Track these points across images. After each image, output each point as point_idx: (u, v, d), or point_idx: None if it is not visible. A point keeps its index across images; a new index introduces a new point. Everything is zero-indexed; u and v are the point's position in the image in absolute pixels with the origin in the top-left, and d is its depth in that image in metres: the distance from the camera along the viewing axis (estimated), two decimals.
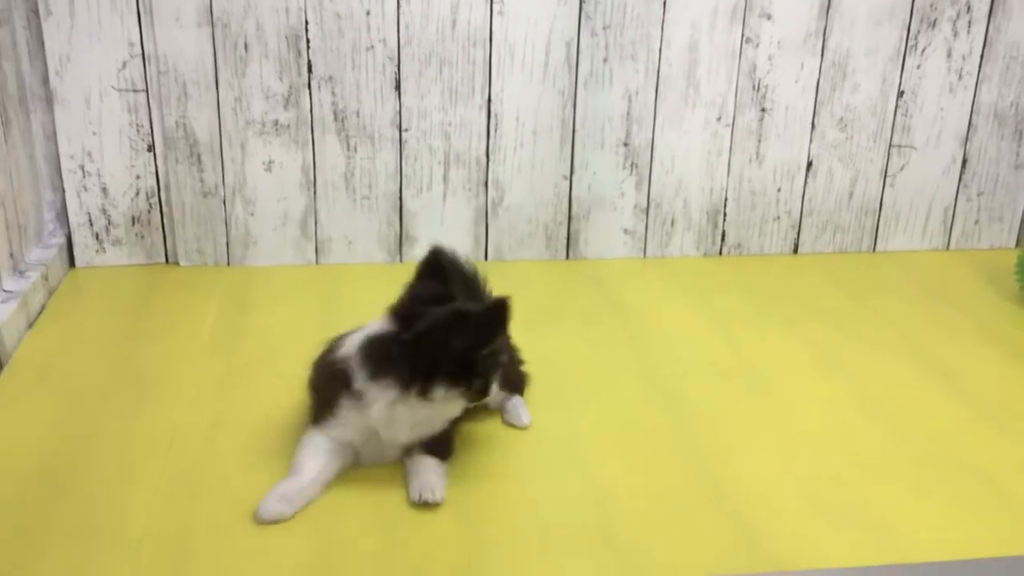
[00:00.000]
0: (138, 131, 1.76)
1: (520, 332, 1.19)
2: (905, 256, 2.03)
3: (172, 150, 1.77)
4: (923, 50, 1.90)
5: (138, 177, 1.79)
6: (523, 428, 1.33)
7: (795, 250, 2.02)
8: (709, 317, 1.71)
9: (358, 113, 1.79)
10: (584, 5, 1.78)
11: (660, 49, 1.83)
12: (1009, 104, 1.96)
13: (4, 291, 1.55)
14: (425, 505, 1.14)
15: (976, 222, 2.05)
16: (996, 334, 1.67)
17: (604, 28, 1.80)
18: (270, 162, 1.80)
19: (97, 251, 1.82)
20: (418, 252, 1.51)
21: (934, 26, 1.88)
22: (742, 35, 1.84)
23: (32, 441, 1.27)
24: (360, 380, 1.14)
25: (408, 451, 1.20)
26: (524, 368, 1.40)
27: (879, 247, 2.04)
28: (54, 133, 1.74)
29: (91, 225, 1.80)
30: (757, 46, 1.85)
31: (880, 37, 1.88)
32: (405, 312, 1.15)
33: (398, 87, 1.78)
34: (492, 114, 1.83)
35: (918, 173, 1.99)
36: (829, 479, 1.24)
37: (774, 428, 1.36)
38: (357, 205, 1.85)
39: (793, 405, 1.42)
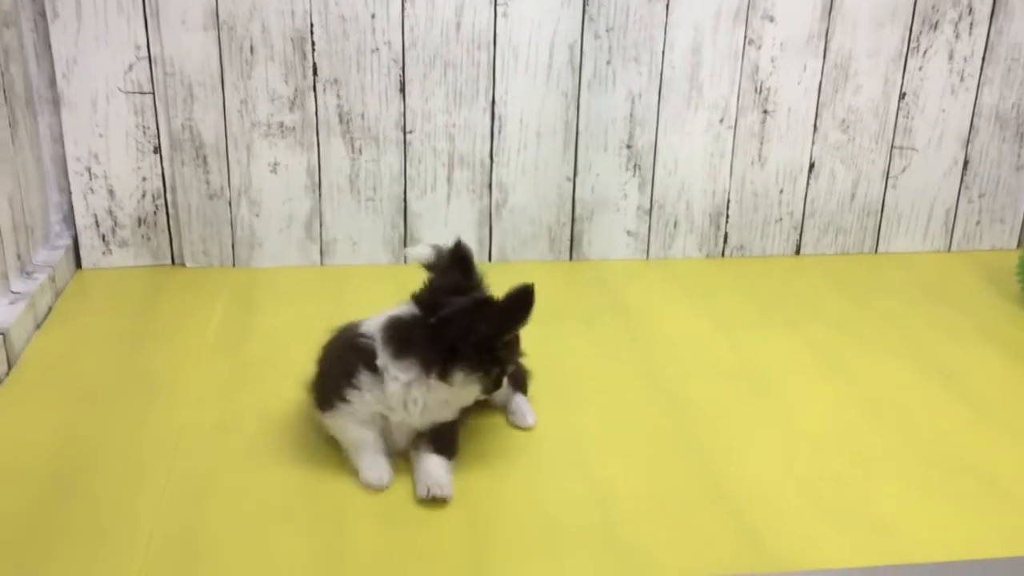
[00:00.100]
0: (144, 133, 1.77)
1: (524, 332, 1.20)
2: (907, 257, 2.03)
3: (178, 152, 1.78)
4: (925, 52, 1.91)
5: (144, 179, 1.80)
6: (528, 429, 1.34)
7: (797, 252, 2.03)
8: (711, 318, 1.71)
9: (363, 115, 1.80)
10: (587, 8, 1.79)
11: (663, 51, 1.84)
12: (1010, 106, 1.97)
13: (12, 292, 1.56)
14: (433, 501, 1.15)
15: (977, 223, 2.06)
16: (997, 335, 1.67)
17: (607, 30, 1.81)
18: (275, 164, 1.81)
19: (104, 252, 1.83)
20: None
21: (936, 28, 1.89)
22: (745, 37, 1.85)
23: (40, 441, 1.28)
24: (383, 357, 1.16)
25: (415, 443, 1.22)
26: (525, 362, 1.40)
27: (881, 248, 2.05)
28: (61, 135, 1.75)
29: (97, 227, 1.81)
30: (759, 48, 1.86)
31: (882, 39, 1.89)
32: (429, 299, 1.18)
33: (403, 89, 1.79)
34: (496, 116, 1.84)
35: (920, 175, 2.00)
36: (831, 480, 1.25)
37: (776, 429, 1.37)
38: (362, 207, 1.86)
39: (795, 406, 1.43)
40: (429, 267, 1.34)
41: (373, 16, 1.74)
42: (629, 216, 1.94)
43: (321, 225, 1.86)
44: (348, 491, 1.19)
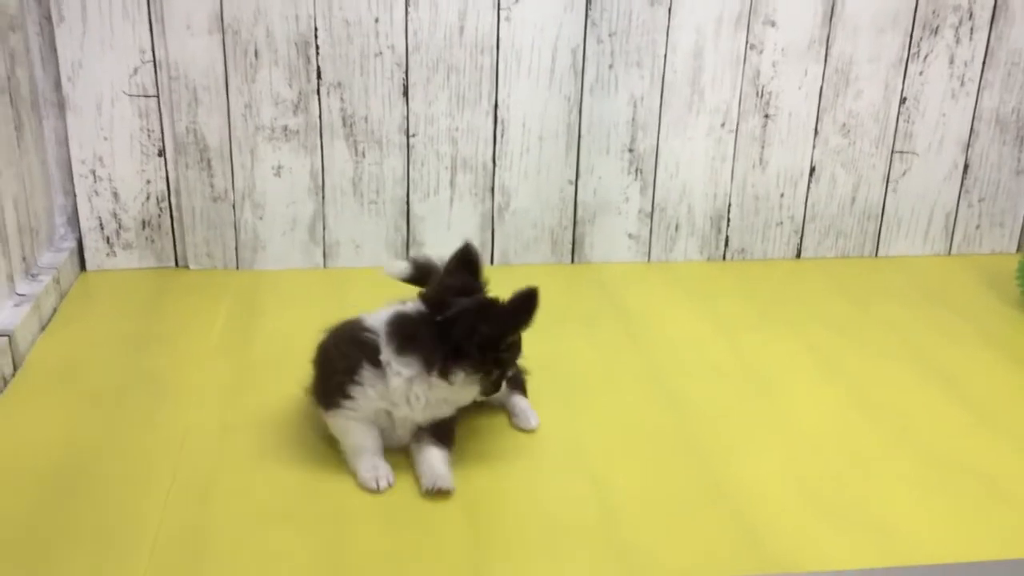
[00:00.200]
0: (149, 136, 1.78)
1: (525, 334, 1.21)
2: (907, 261, 2.04)
3: (182, 155, 1.79)
4: (925, 57, 1.91)
5: (149, 182, 1.81)
6: (531, 431, 1.34)
7: (798, 255, 2.03)
8: (712, 321, 1.72)
9: (366, 119, 1.81)
10: (590, 12, 1.80)
11: (665, 56, 1.84)
12: (1010, 110, 1.98)
13: (17, 295, 1.56)
14: (438, 493, 1.17)
15: (977, 227, 2.07)
16: (997, 339, 1.68)
17: (610, 35, 1.81)
18: (279, 167, 1.82)
19: (108, 255, 1.84)
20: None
21: (936, 33, 1.90)
22: (746, 42, 1.86)
23: (45, 442, 1.28)
24: (386, 352, 1.17)
25: (416, 437, 1.23)
26: (523, 363, 1.40)
27: (881, 252, 2.06)
28: (66, 138, 1.76)
29: (102, 229, 1.82)
30: (761, 53, 1.87)
31: (883, 44, 1.89)
32: (436, 298, 1.19)
33: (406, 93, 1.80)
34: (499, 120, 1.85)
35: (920, 179, 2.01)
36: (830, 481, 1.25)
37: (776, 430, 1.37)
38: (365, 210, 1.87)
39: (795, 408, 1.44)
40: (409, 281, 1.38)
41: (377, 20, 1.75)
42: (631, 219, 1.95)
43: (324, 228, 1.87)
44: (350, 491, 1.20)
